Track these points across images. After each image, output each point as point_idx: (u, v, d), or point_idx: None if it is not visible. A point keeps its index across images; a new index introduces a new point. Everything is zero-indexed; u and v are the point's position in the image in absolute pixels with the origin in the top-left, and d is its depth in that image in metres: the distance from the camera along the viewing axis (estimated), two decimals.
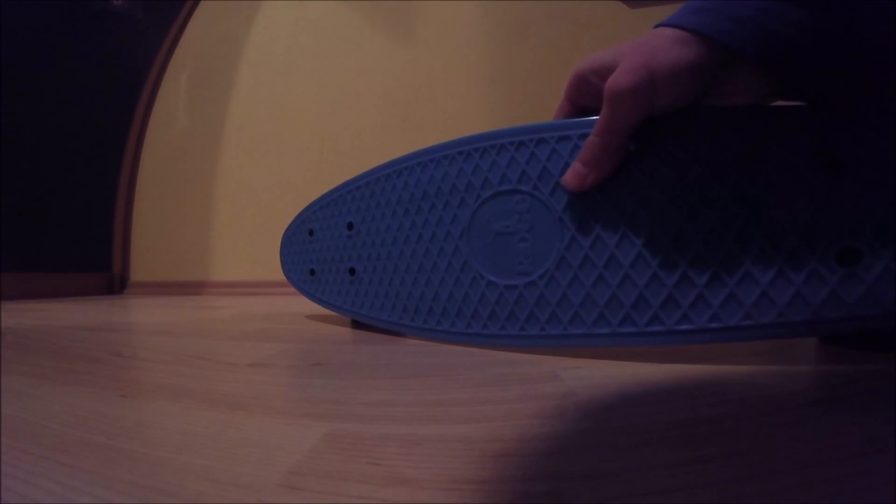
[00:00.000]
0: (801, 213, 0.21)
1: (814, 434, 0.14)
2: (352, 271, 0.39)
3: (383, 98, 1.13)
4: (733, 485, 0.11)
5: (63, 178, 1.19)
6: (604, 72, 0.24)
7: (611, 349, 0.28)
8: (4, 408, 0.19)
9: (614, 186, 0.25)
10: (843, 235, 0.21)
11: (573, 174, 0.25)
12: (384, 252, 0.36)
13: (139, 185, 1.36)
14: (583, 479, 0.12)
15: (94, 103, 1.26)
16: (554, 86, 1.05)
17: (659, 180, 0.24)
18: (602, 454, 0.13)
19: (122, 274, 1.31)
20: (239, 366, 0.27)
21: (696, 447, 0.13)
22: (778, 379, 0.21)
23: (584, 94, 0.26)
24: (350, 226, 0.39)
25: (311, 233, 0.44)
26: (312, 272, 0.44)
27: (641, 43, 0.22)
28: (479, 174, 0.30)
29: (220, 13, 1.32)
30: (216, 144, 1.26)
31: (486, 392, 0.20)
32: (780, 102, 0.23)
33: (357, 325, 0.45)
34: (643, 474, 0.12)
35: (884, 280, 0.20)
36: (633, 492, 0.11)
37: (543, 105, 1.05)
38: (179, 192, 1.29)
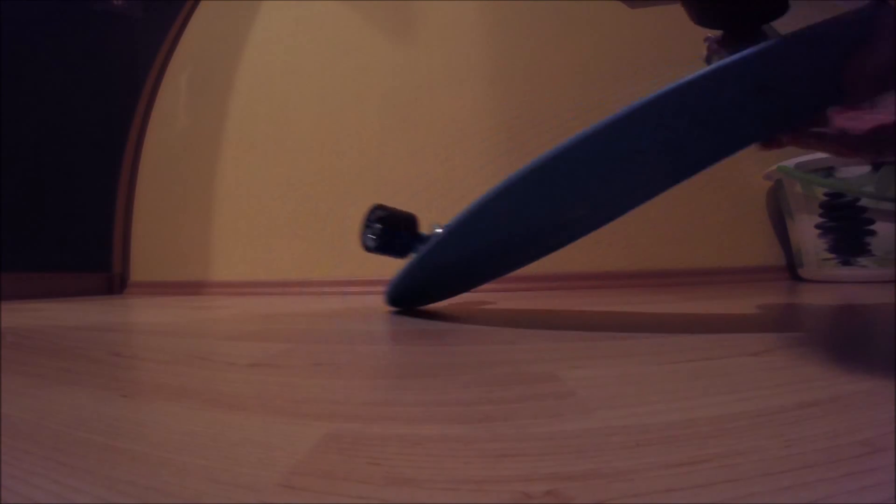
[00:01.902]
0: (749, 114, 0.33)
1: (814, 434, 0.14)
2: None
3: (383, 98, 1.13)
4: (733, 485, 0.11)
5: (63, 178, 1.19)
6: None
7: (610, 350, 0.28)
8: (4, 408, 0.19)
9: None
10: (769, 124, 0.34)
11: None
12: None
13: (139, 185, 1.36)
14: (583, 479, 0.12)
15: (94, 103, 1.26)
16: (554, 86, 1.06)
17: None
18: (602, 454, 0.13)
19: (122, 274, 1.31)
20: (239, 366, 0.27)
21: (696, 447, 0.13)
22: (778, 379, 0.21)
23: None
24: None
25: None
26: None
27: None
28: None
29: (220, 13, 1.32)
30: (216, 144, 1.26)
31: (486, 392, 0.20)
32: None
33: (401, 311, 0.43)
34: (643, 474, 0.12)
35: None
36: (633, 492, 0.11)
37: (543, 105, 1.05)
38: (179, 192, 1.29)
